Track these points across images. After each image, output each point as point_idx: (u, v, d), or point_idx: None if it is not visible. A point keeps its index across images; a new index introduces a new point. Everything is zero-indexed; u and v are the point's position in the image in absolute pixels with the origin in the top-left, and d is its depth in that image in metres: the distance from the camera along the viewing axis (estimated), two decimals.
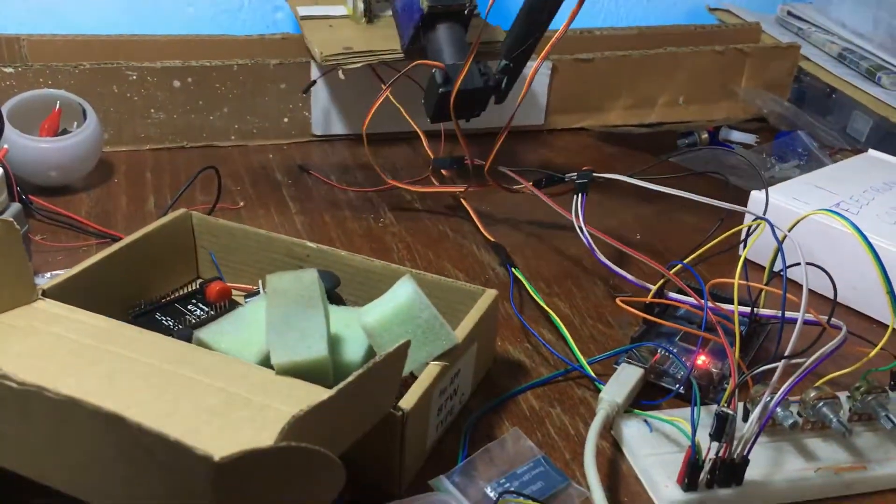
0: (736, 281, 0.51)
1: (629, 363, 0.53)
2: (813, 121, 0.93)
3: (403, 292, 0.47)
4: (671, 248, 0.72)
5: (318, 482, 0.34)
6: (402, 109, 0.81)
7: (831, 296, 0.62)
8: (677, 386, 0.52)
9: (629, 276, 0.60)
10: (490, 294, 0.53)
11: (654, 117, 0.91)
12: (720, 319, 0.55)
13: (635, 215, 0.77)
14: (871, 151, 0.77)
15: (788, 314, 0.49)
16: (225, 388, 0.42)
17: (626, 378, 0.51)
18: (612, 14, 1.08)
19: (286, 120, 0.86)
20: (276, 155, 0.84)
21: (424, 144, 0.81)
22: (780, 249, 0.50)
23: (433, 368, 0.46)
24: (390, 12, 0.83)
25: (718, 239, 0.61)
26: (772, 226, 0.50)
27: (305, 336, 0.46)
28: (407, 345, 0.41)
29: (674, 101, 0.94)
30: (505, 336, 0.59)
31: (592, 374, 0.54)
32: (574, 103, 0.92)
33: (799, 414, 0.48)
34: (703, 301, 0.53)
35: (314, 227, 0.72)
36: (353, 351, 0.48)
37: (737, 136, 0.93)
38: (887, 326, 0.50)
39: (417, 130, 0.80)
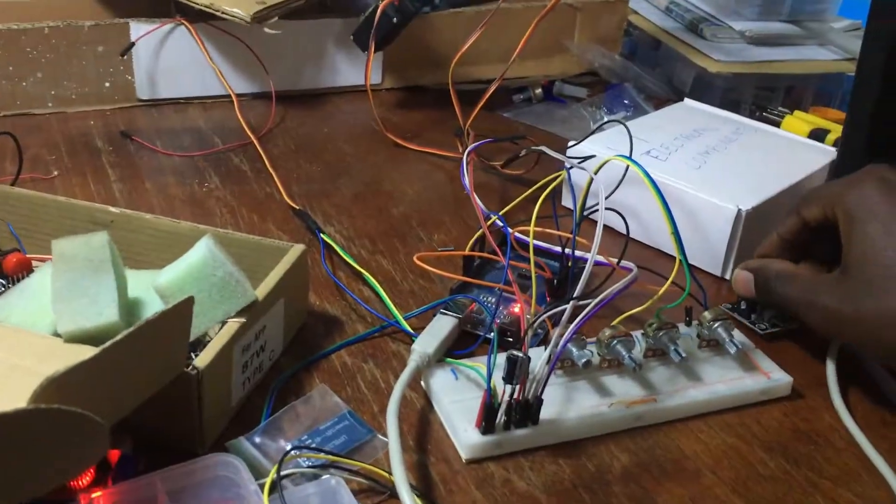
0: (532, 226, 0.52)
1: (444, 314, 0.54)
2: (642, 73, 0.95)
3: (197, 252, 0.46)
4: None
5: (79, 445, 0.33)
6: (219, 72, 0.81)
7: (640, 238, 0.64)
8: (485, 333, 0.53)
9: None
10: (297, 249, 0.52)
11: (491, 73, 0.91)
12: (534, 269, 0.57)
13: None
14: (687, 100, 0.79)
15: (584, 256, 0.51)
16: (7, 360, 0.41)
17: (438, 329, 0.52)
18: None
19: (108, 84, 0.82)
20: (97, 121, 0.81)
21: (236, 108, 0.81)
22: (573, 196, 0.51)
23: (231, 325, 0.45)
24: None
25: (536, 187, 0.62)
26: (569, 174, 0.52)
27: (95, 301, 0.44)
28: (190, 301, 0.40)
29: (508, 56, 0.95)
30: (323, 294, 0.59)
31: (408, 329, 0.55)
32: (410, 61, 0.92)
33: (596, 353, 0.50)
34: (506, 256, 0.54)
35: (134, 194, 0.70)
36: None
37: (569, 90, 0.95)
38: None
39: (231, 94, 0.83)
